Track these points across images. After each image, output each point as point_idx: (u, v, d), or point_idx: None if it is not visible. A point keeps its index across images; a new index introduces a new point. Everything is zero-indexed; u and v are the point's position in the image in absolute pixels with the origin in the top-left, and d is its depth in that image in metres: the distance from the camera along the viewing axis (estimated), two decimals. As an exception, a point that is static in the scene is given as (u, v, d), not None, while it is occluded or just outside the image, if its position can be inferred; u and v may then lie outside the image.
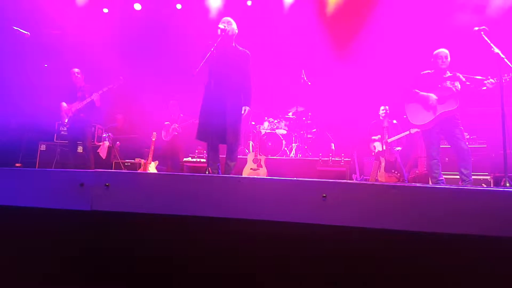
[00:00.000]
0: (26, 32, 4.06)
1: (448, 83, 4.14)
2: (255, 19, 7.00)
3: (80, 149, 5.54)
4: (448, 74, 4.20)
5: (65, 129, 5.79)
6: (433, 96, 4.12)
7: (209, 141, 3.79)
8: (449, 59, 4.17)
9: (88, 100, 5.35)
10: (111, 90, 5.42)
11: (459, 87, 4.08)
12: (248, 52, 3.91)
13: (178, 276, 2.14)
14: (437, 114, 4.08)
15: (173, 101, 6.66)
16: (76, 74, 5.54)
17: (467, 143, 4.13)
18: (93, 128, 6.09)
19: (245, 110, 3.79)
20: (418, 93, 4.20)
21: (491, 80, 3.78)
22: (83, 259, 2.21)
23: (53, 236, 2.24)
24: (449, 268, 1.90)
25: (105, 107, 5.65)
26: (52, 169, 4.47)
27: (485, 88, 3.86)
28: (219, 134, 3.70)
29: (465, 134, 4.26)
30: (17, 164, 6.14)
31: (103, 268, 2.19)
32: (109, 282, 2.18)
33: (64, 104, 5.49)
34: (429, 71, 4.29)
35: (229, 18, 3.85)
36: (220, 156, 3.95)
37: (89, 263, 2.21)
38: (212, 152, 3.83)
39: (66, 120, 5.47)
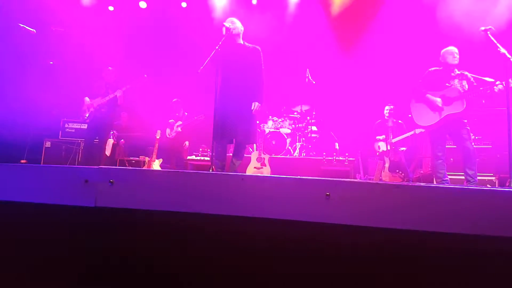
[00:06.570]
0: (32, 30, 4.09)
1: (456, 81, 4.10)
2: (260, 18, 6.99)
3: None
4: (457, 72, 4.16)
5: (86, 124, 5.65)
6: (439, 101, 4.08)
7: (225, 140, 3.80)
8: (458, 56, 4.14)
9: (111, 96, 5.24)
10: (134, 89, 5.31)
11: (467, 87, 4.05)
12: (258, 48, 3.89)
13: (179, 273, 2.14)
14: (443, 116, 4.05)
15: (176, 100, 6.68)
16: (108, 70, 5.46)
17: (473, 143, 4.09)
18: (112, 127, 5.98)
19: (254, 105, 3.74)
20: (425, 95, 4.17)
21: (499, 86, 3.74)
22: (86, 255, 2.22)
23: (57, 232, 2.25)
24: (453, 268, 1.89)
25: (126, 106, 5.55)
26: (57, 166, 4.49)
27: (489, 91, 3.83)
28: (232, 132, 3.71)
29: (471, 134, 4.23)
30: (22, 161, 6.18)
31: (107, 263, 2.21)
32: (112, 280, 2.19)
33: (87, 99, 5.36)
34: (437, 68, 4.25)
35: (232, 18, 3.86)
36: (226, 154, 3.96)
37: (92, 259, 2.22)
38: (221, 150, 3.81)
39: (87, 115, 5.33)
